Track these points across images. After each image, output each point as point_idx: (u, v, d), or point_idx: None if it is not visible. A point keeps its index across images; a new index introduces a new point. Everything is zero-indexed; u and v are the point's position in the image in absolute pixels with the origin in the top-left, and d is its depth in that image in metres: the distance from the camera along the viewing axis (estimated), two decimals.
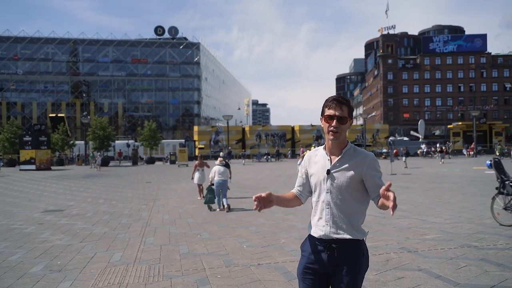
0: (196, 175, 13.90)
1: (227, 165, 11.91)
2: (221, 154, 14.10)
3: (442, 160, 37.95)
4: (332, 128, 2.44)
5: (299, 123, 61.33)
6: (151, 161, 46.27)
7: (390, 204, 2.11)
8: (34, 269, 5.74)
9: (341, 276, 2.39)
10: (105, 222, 9.72)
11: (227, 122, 46.85)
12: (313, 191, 2.57)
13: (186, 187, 18.08)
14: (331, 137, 2.47)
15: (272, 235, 7.77)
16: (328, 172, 2.47)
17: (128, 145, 56.64)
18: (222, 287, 4.82)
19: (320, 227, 2.47)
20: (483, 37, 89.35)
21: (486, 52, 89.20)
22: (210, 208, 11.43)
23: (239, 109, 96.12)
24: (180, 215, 10.67)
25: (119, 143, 55.54)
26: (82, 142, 49.95)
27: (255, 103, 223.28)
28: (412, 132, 65.86)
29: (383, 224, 8.53)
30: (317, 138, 58.17)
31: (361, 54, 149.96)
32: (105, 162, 42.82)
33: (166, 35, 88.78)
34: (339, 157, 2.48)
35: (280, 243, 7.01)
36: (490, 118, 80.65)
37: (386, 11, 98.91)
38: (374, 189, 2.43)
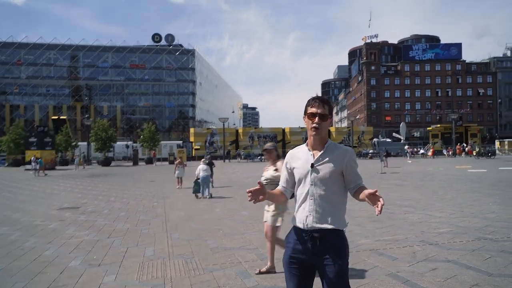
0: (177, 170, 17.48)
1: (210, 164, 14.64)
2: (205, 156, 17.35)
3: (410, 159, 38.75)
4: (314, 125, 2.50)
5: (288, 125, 61.22)
6: (150, 161, 45.84)
7: (379, 205, 2.23)
8: (73, 264, 5.53)
9: (328, 266, 2.40)
10: (124, 219, 9.50)
11: (223, 124, 46.63)
12: (297, 184, 2.57)
13: (190, 185, 17.84)
14: (314, 133, 2.52)
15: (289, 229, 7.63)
16: (312, 165, 2.49)
17: (127, 146, 56.08)
18: (264, 279, 4.69)
19: (304, 218, 2.47)
20: (459, 46, 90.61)
21: (461, 60, 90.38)
22: (196, 196, 13.59)
23: (233, 112, 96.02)
24: (194, 211, 10.49)
25: (118, 145, 54.93)
26: (85, 143, 49.31)
27: (245, 106, 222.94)
28: (394, 134, 66.37)
29: (394, 219, 8.45)
30: (306, 140, 58.14)
31: (344, 61, 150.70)
32: (106, 162, 42.37)
33: (163, 42, 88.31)
34: (322, 151, 2.52)
35: None
36: (465, 121, 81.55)
37: (369, 20, 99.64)
38: (353, 179, 2.51)
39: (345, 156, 2.51)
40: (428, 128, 71.97)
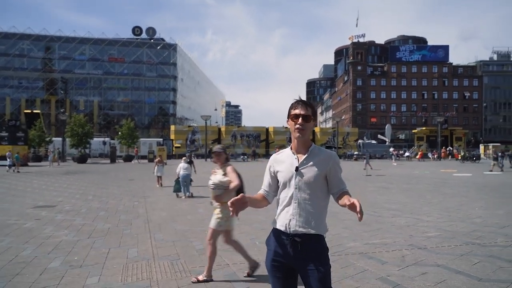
0: (156, 169, 17.47)
1: (190, 163, 14.79)
2: (186, 154, 17.11)
3: (395, 162, 39.59)
4: (298, 126, 2.55)
5: (271, 125, 61.44)
6: (128, 159, 45.36)
7: (358, 213, 2.31)
8: (53, 265, 5.46)
9: (311, 273, 2.46)
10: (104, 218, 9.41)
11: (206, 122, 46.49)
12: (280, 188, 2.62)
13: (170, 184, 17.76)
14: (297, 134, 2.56)
15: None
16: (297, 169, 2.54)
17: (104, 143, 55.35)
18: (254, 283, 4.72)
19: (287, 221, 2.52)
20: (446, 48, 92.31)
21: (448, 62, 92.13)
22: (177, 196, 13.66)
23: (216, 109, 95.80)
24: (176, 212, 10.46)
25: (95, 141, 54.15)
26: (60, 139, 48.46)
27: (228, 104, 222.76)
28: (379, 136, 67.17)
29: (382, 223, 8.60)
30: (290, 139, 58.44)
31: (330, 60, 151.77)
32: (81, 159, 41.74)
33: (144, 35, 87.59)
34: (306, 155, 2.57)
35: None
36: (451, 124, 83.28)
37: (357, 19, 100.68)
38: (336, 184, 2.58)
39: (329, 161, 2.58)
40: (413, 131, 73.26)
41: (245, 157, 46.47)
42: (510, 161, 33.81)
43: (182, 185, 13.67)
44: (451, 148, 56.24)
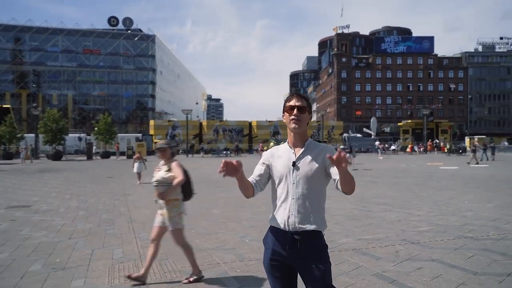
0: (136, 165, 17.47)
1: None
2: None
3: (381, 155, 40.24)
4: (293, 117, 2.57)
5: (254, 119, 61.44)
6: (106, 155, 44.81)
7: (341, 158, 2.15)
8: (33, 268, 5.35)
9: (311, 271, 2.46)
10: (84, 218, 9.27)
11: (186, 116, 46.21)
12: (277, 184, 2.61)
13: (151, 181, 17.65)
14: (293, 125, 2.58)
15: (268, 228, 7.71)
16: (294, 164, 2.55)
17: (79, 139, 54.57)
18: (246, 280, 4.72)
19: (285, 218, 2.52)
20: (431, 39, 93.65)
21: (433, 54, 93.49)
22: None
23: (197, 103, 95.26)
24: None
25: (70, 137, 53.31)
26: (32, 135, 47.53)
27: (209, 98, 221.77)
28: (364, 129, 67.92)
29: (372, 217, 8.69)
30: (274, 133, 58.68)
31: (314, 52, 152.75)
32: (56, 156, 41.06)
33: (120, 26, 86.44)
34: (303, 149, 2.59)
35: None
36: (436, 117, 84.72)
37: (342, 9, 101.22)
38: (335, 174, 2.46)
39: (325, 152, 2.56)
40: (399, 124, 74.21)
41: (228, 152, 46.40)
42: (492, 153, 34.62)
43: None
44: (437, 141, 57.19)
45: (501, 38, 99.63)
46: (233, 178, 2.42)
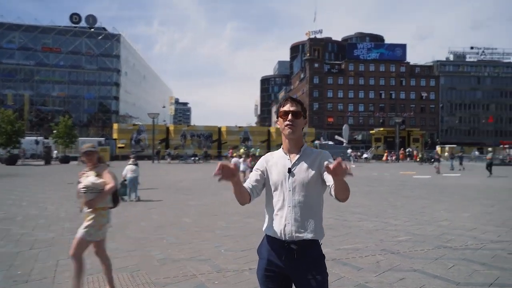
0: None
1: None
2: (131, 156, 16.56)
3: (353, 163, 41.26)
4: (287, 122, 2.56)
5: (223, 124, 61.50)
6: (65, 160, 43.63)
7: (341, 167, 2.13)
8: None
9: (308, 281, 2.46)
10: (45, 227, 8.98)
11: (153, 121, 45.65)
12: (272, 191, 2.60)
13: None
14: (288, 130, 2.57)
15: (244, 238, 7.69)
16: (289, 170, 2.55)
17: (37, 142, 52.96)
18: None
19: (281, 227, 2.51)
20: (403, 47, 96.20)
21: (406, 61, 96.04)
22: (122, 199, 12.79)
23: (164, 107, 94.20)
24: (128, 218, 10.16)
25: (27, 140, 51.68)
26: None
27: (176, 101, 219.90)
28: (336, 137, 68.80)
29: (349, 227, 8.79)
30: (244, 140, 58.67)
31: (285, 57, 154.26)
32: (10, 161, 39.66)
33: (83, 23, 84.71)
34: (299, 155, 2.60)
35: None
36: (408, 125, 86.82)
37: (315, 13, 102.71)
38: (330, 179, 2.44)
39: (321, 157, 2.57)
40: (371, 132, 75.55)
41: (196, 158, 46.02)
42: (460, 163, 35.83)
43: (129, 188, 13.74)
44: (410, 149, 58.57)
45: (472, 48, 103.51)
46: (228, 183, 2.38)
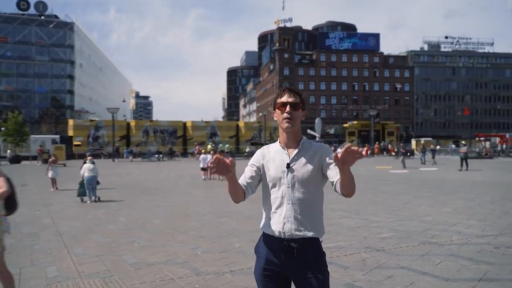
0: (50, 171, 17.37)
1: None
2: (87, 154, 16.65)
3: None
4: (286, 115, 2.56)
5: (188, 119, 60.91)
6: (16, 160, 42.40)
7: (352, 149, 2.15)
8: None
9: (309, 281, 2.48)
10: None
11: (113, 116, 44.92)
12: (270, 188, 2.63)
13: (69, 187, 17.01)
14: (286, 124, 2.57)
15: (221, 239, 7.69)
16: (288, 166, 2.57)
17: None
18: None
19: (280, 225, 2.54)
20: (377, 36, 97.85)
21: (379, 52, 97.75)
22: (82, 200, 13.55)
23: (124, 101, 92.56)
24: (92, 221, 10.01)
25: None
26: None
27: (136, 95, 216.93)
28: (308, 131, 69.35)
29: (331, 224, 8.91)
30: (212, 135, 58.44)
31: (253, 47, 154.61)
32: None
33: (32, 10, 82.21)
34: (297, 150, 2.61)
35: (237, 247, 6.98)
36: (382, 118, 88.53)
37: (283, 1, 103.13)
38: (334, 175, 2.49)
39: (322, 152, 2.59)
40: (344, 125, 76.72)
41: (161, 156, 45.57)
42: (433, 157, 36.84)
43: (87, 188, 13.69)
44: (385, 143, 59.78)
45: (446, 37, 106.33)
46: (222, 177, 2.37)
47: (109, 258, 6.46)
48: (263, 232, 2.66)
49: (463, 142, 34.96)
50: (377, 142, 59.14)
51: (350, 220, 9.41)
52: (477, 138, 66.35)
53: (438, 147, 59.27)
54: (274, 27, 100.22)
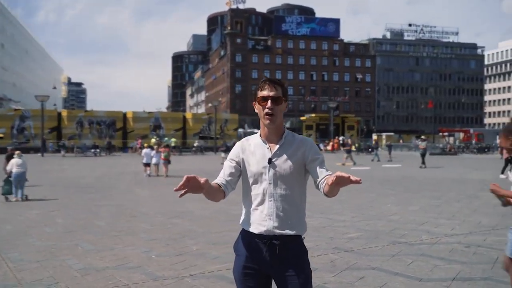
0: None
1: (9, 157, 14.39)
2: (8, 148, 16.75)
3: None
4: (267, 110, 2.63)
5: (129, 109, 60.01)
6: None
7: (352, 179, 2.29)
8: None
9: (291, 279, 2.60)
10: None
11: (42, 105, 43.56)
12: (251, 184, 2.71)
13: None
14: (267, 121, 2.65)
15: (175, 241, 7.73)
16: (270, 161, 2.66)
17: None
18: None
19: (261, 222, 2.64)
20: (337, 22, 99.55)
21: (339, 39, 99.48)
22: (6, 199, 13.35)
23: (55, 88, 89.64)
24: (25, 223, 9.77)
25: None
26: None
27: (68, 81, 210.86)
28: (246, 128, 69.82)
29: None
30: (155, 128, 57.75)
31: (202, 30, 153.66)
32: None
33: None
34: (280, 144, 2.69)
35: (194, 250, 7.04)
36: (342, 111, 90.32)
37: None
38: (320, 170, 2.62)
39: (305, 147, 2.69)
40: (301, 118, 77.65)
41: (97, 150, 44.62)
42: (389, 153, 38.06)
43: (15, 185, 13.50)
44: (344, 138, 61.00)
45: (410, 25, 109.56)
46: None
47: (51, 263, 6.36)
48: (243, 229, 2.75)
49: (422, 137, 36.27)
50: (336, 137, 60.28)
51: (314, 220, 9.64)
52: (440, 134, 68.97)
53: (401, 141, 61.12)
54: (225, 8, 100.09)
